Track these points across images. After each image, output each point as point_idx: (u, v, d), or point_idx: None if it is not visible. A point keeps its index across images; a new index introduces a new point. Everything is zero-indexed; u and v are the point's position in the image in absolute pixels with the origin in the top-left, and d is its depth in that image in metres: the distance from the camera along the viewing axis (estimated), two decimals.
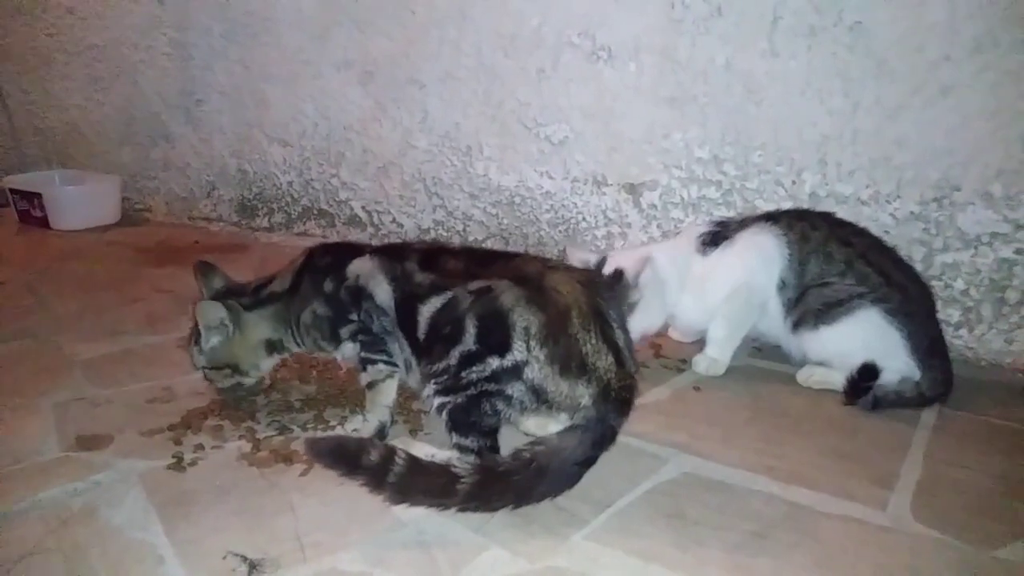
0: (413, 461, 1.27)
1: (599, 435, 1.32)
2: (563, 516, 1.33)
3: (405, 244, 1.71)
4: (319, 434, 1.61)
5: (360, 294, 1.55)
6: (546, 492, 1.31)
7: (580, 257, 1.96)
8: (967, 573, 1.22)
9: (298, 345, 1.68)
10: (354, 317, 1.57)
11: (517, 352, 1.33)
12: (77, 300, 2.46)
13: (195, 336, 1.67)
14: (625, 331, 1.43)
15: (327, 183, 3.13)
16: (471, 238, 2.81)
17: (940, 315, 2.00)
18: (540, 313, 1.35)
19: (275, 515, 1.33)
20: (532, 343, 1.33)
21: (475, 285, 1.43)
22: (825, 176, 2.13)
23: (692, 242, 1.98)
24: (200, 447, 1.55)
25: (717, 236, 1.95)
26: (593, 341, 1.34)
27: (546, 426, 1.41)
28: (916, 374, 1.77)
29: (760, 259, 1.87)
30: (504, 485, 1.28)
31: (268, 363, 1.71)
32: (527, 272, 1.44)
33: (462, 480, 1.26)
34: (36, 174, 3.65)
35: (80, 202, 3.43)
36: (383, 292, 1.53)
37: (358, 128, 2.98)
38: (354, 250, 1.64)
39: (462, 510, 1.28)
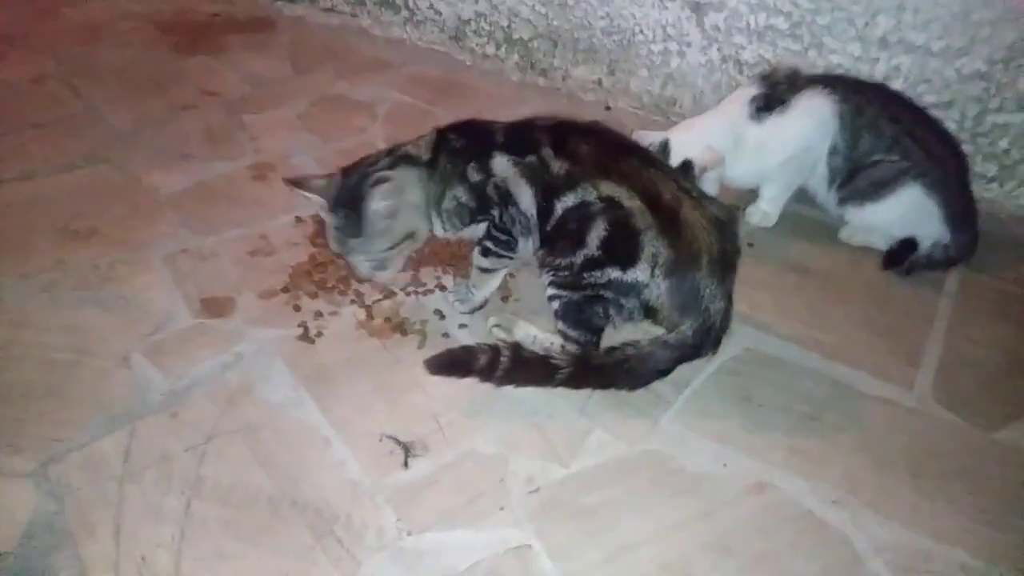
0: (516, 357, 1.47)
1: (685, 357, 1.52)
2: (650, 397, 1.58)
3: (531, 124, 1.63)
4: (421, 297, 1.81)
5: (508, 198, 1.58)
6: (624, 386, 1.54)
7: (648, 139, 1.97)
8: (970, 455, 1.52)
9: (431, 223, 1.67)
10: (495, 213, 1.61)
11: (640, 272, 1.47)
12: (126, 106, 2.43)
13: (342, 229, 1.60)
14: (735, 273, 1.55)
15: None
16: (515, 36, 2.72)
17: (977, 169, 2.13)
18: (671, 249, 1.45)
19: (408, 392, 1.56)
20: (657, 271, 1.46)
21: (606, 190, 1.49)
22: (900, 22, 2.10)
23: (744, 107, 2.00)
24: (319, 314, 1.72)
25: (770, 99, 1.97)
26: (713, 287, 1.48)
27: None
28: (946, 238, 1.96)
29: (816, 125, 1.94)
30: (594, 376, 1.52)
31: (425, 230, 1.68)
32: (663, 197, 1.48)
33: (561, 370, 1.48)
34: None
35: None
36: (527, 199, 1.57)
37: None
38: (484, 134, 1.62)
39: (557, 386, 1.51)
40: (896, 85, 2.14)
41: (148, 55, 2.74)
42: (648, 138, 2.00)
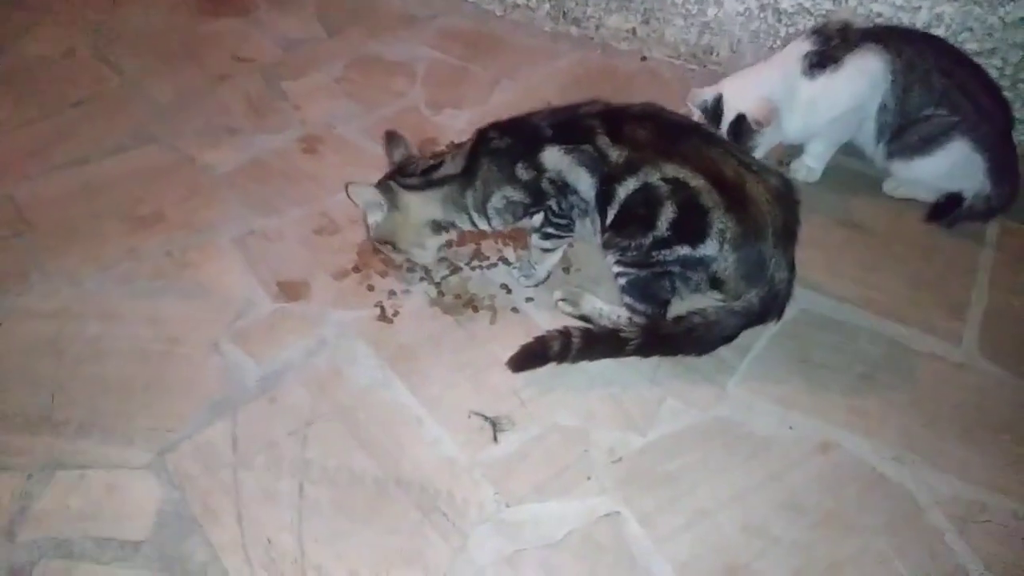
0: (587, 336, 1.56)
1: (751, 323, 1.60)
2: (715, 362, 1.67)
3: (578, 113, 1.65)
4: (486, 271, 1.87)
5: (566, 188, 1.62)
6: (691, 352, 1.62)
7: (702, 96, 1.98)
8: (1017, 408, 1.62)
9: (474, 224, 1.74)
10: (552, 203, 1.65)
11: (709, 248, 1.53)
12: (162, 77, 2.43)
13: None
14: (796, 243, 1.60)
15: None
16: None
17: (1016, 115, 2.15)
18: (738, 225, 1.51)
19: (487, 368, 1.64)
20: (726, 246, 1.52)
21: (670, 171, 1.54)
22: None
23: (798, 63, 1.99)
24: (393, 293, 1.79)
25: (823, 56, 1.98)
26: (778, 257, 1.55)
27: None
28: (988, 190, 2.01)
29: (868, 85, 1.96)
30: (663, 345, 1.61)
31: (435, 241, 1.78)
32: (726, 174, 1.53)
33: (630, 342, 1.57)
34: None
35: None
36: (586, 184, 1.61)
37: None
38: (530, 130, 1.65)
39: (628, 356, 1.60)
40: (938, 33, 2.15)
41: (174, 19, 2.71)
42: (702, 95, 2.01)
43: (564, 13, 2.69)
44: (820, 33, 2.02)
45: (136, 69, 2.46)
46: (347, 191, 1.71)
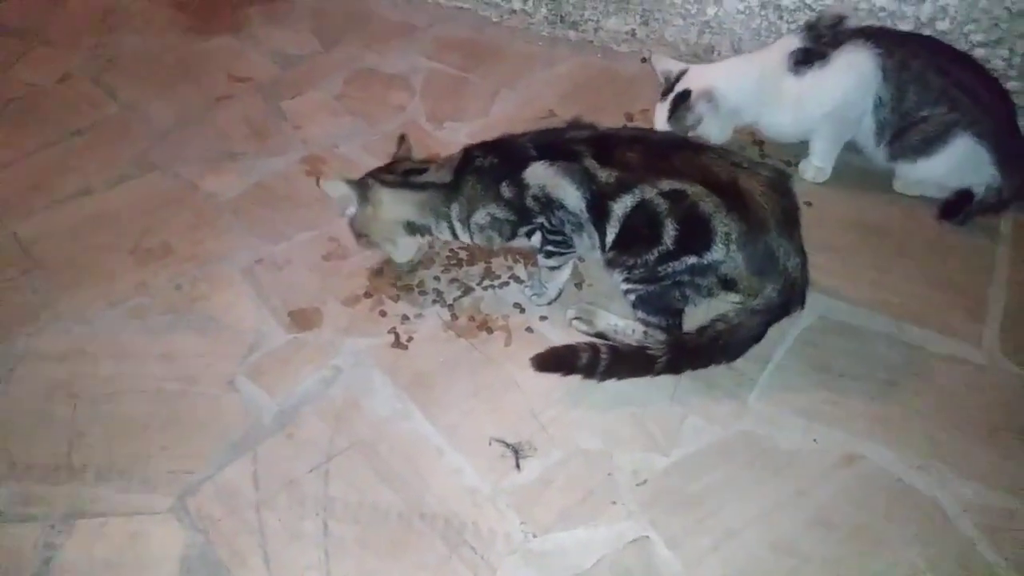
0: (615, 353, 1.54)
1: (775, 318, 1.58)
2: (735, 376, 1.65)
3: (564, 136, 1.66)
4: (498, 291, 1.85)
5: (551, 204, 1.62)
6: (722, 360, 1.60)
7: (664, 67, 2.00)
8: None
9: (455, 235, 1.75)
10: (540, 220, 1.65)
11: (716, 252, 1.52)
12: (160, 102, 2.40)
13: None
14: (800, 227, 1.58)
15: None
16: None
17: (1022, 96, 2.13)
18: (741, 222, 1.50)
19: (505, 392, 1.63)
20: (732, 247, 1.51)
21: (667, 186, 1.53)
22: None
23: (783, 60, 1.98)
24: (406, 318, 1.77)
25: (810, 54, 1.96)
26: (785, 245, 1.53)
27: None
28: (998, 182, 1.98)
29: (857, 80, 1.94)
30: (692, 358, 1.58)
31: (409, 242, 1.79)
32: (720, 177, 1.53)
33: (658, 360, 1.55)
34: None
35: None
36: (573, 198, 1.60)
37: None
38: (516, 150, 1.65)
39: (657, 375, 1.57)
40: (942, 25, 2.13)
41: (168, 40, 2.68)
42: (669, 64, 2.04)
43: (562, 17, 2.66)
44: (811, 29, 2.01)
45: (133, 93, 2.43)
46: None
